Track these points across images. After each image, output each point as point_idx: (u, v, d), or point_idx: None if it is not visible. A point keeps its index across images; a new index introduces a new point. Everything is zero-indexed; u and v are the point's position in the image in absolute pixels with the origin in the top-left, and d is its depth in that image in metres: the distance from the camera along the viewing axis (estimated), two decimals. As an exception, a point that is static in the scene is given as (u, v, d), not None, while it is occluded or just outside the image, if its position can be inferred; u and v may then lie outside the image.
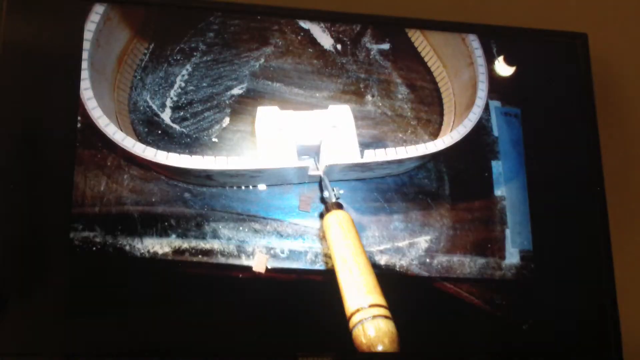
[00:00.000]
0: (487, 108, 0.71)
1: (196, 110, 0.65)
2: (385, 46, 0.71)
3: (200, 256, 0.61)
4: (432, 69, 0.72)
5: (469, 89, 0.71)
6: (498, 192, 0.69)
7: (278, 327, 0.61)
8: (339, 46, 0.70)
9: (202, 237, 0.62)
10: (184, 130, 0.64)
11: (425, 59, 0.72)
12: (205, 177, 0.62)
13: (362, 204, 0.66)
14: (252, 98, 0.67)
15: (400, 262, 0.65)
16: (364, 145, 0.65)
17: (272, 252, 0.63)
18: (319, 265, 0.63)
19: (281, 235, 0.63)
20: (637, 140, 0.80)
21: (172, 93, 0.65)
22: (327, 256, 0.63)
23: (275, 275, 0.62)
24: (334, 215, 0.59)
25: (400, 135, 0.69)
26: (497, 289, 0.67)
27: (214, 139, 0.65)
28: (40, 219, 0.59)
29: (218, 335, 0.60)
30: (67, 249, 0.58)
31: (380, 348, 0.49)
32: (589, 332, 0.67)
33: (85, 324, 0.58)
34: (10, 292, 0.56)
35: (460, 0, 0.80)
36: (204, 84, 0.66)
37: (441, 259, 0.66)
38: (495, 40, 0.73)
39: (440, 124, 0.70)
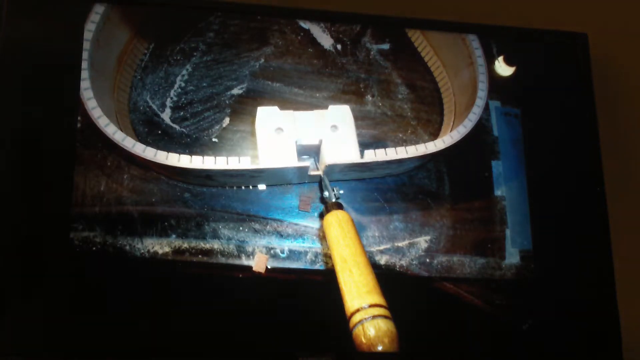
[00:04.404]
0: (487, 108, 0.71)
1: (196, 110, 0.65)
2: (385, 46, 0.71)
3: (200, 256, 0.61)
4: (432, 69, 0.72)
5: (469, 89, 0.71)
6: (498, 192, 0.69)
7: (278, 327, 0.61)
8: (339, 46, 0.70)
9: (202, 237, 0.62)
10: (184, 130, 0.64)
11: (425, 59, 0.72)
12: (205, 177, 0.62)
13: (362, 204, 0.66)
14: (252, 98, 0.67)
15: (400, 262, 0.65)
16: (364, 145, 0.65)
17: (272, 252, 0.63)
18: (319, 265, 0.63)
19: (281, 235, 0.63)
20: (637, 140, 0.80)
21: (172, 93, 0.65)
22: (327, 256, 0.63)
23: (275, 275, 0.62)
24: (334, 215, 0.59)
25: (400, 135, 0.69)
26: (497, 289, 0.67)
27: (214, 139, 0.65)
28: (40, 218, 0.59)
29: (218, 335, 0.60)
30: (67, 249, 0.58)
31: (380, 348, 0.49)
32: (589, 332, 0.67)
33: (85, 324, 0.58)
34: (10, 292, 0.56)
35: (460, 0, 0.80)
36: (204, 84, 0.66)
37: (441, 259, 0.66)
38: (495, 40, 0.73)
39: (440, 124, 0.70)
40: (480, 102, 0.70)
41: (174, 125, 0.64)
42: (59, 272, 0.58)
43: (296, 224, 0.64)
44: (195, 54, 0.66)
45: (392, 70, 0.71)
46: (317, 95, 0.68)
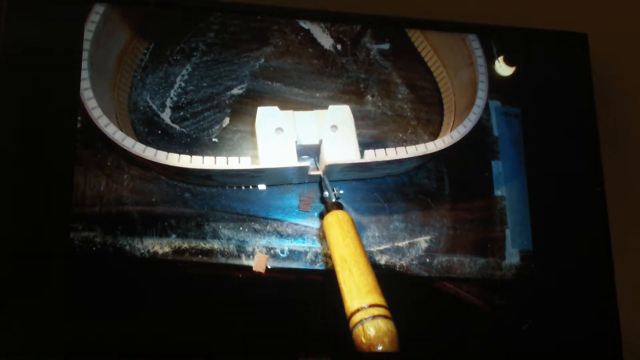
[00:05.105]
0: (487, 108, 0.71)
1: (196, 110, 0.65)
2: (385, 46, 0.71)
3: (200, 256, 0.61)
4: (432, 69, 0.72)
5: (469, 89, 0.71)
6: (498, 192, 0.69)
7: (278, 328, 0.61)
8: (339, 46, 0.70)
9: (202, 237, 0.62)
10: (184, 130, 0.64)
11: (425, 59, 0.72)
12: (205, 177, 0.62)
13: (362, 204, 0.66)
14: (252, 98, 0.67)
15: (400, 262, 0.65)
16: (364, 145, 0.65)
17: (272, 252, 0.63)
18: (319, 265, 0.63)
19: (281, 235, 0.63)
20: (637, 140, 0.80)
21: (172, 93, 0.65)
22: (327, 256, 0.63)
23: (275, 275, 0.62)
24: (334, 215, 0.59)
25: (400, 135, 0.69)
26: (497, 289, 0.67)
27: (214, 139, 0.65)
28: (40, 219, 0.59)
29: (218, 335, 0.60)
30: (67, 249, 0.58)
31: (380, 348, 0.49)
32: (589, 332, 0.67)
33: (85, 324, 0.58)
34: (10, 292, 0.56)
35: (460, 0, 0.80)
36: (204, 84, 0.66)
37: (441, 259, 0.66)
38: (495, 40, 0.73)
39: (440, 124, 0.70)
40: (480, 102, 0.70)
41: (174, 125, 0.64)
42: (59, 272, 0.58)
43: (296, 224, 0.64)
44: (195, 54, 0.66)
45: (392, 70, 0.71)
46: (317, 95, 0.68)
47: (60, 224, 0.59)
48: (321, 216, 0.64)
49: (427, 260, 0.66)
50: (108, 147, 0.61)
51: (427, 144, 0.67)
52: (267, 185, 0.64)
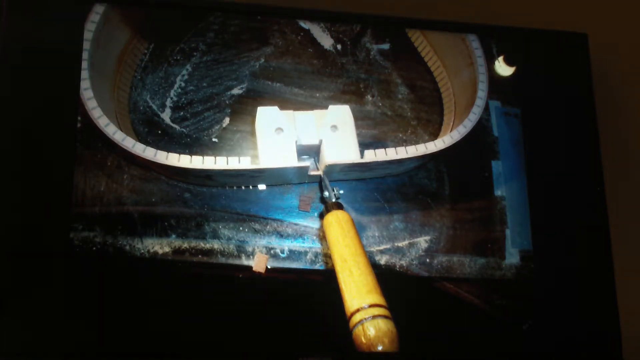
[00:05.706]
0: (487, 108, 0.71)
1: (196, 110, 0.65)
2: (385, 46, 0.71)
3: (200, 256, 0.61)
4: (432, 69, 0.72)
5: (469, 89, 0.71)
6: (498, 192, 0.69)
7: (278, 328, 0.61)
8: (339, 46, 0.70)
9: (202, 237, 0.62)
10: (184, 130, 0.64)
11: (425, 59, 0.72)
12: (205, 177, 0.62)
13: (362, 204, 0.66)
14: (252, 98, 0.67)
15: (400, 262, 0.65)
16: (364, 145, 0.65)
17: (272, 252, 0.63)
18: (319, 265, 0.63)
19: (281, 235, 0.63)
20: (637, 140, 0.80)
21: (172, 93, 0.65)
22: (327, 256, 0.63)
23: (275, 275, 0.62)
24: (334, 215, 0.59)
25: (400, 135, 0.69)
26: (497, 289, 0.67)
27: (214, 139, 0.65)
28: (40, 219, 0.59)
29: (218, 335, 0.60)
30: (67, 249, 0.58)
31: (380, 348, 0.49)
32: (589, 332, 0.67)
33: (84, 324, 0.58)
34: (10, 292, 0.56)
35: (460, 0, 0.80)
36: (204, 84, 0.66)
37: (441, 259, 0.66)
38: (495, 40, 0.73)
39: (440, 124, 0.70)
40: (480, 102, 0.70)
41: (174, 125, 0.64)
42: (59, 272, 0.58)
43: (296, 224, 0.64)
44: (195, 54, 0.66)
45: (392, 70, 0.71)
46: (317, 95, 0.68)
47: (60, 224, 0.59)
48: (321, 216, 0.64)
49: (427, 260, 0.66)
50: (108, 147, 0.61)
51: (427, 144, 0.67)
52: (267, 185, 0.64)
